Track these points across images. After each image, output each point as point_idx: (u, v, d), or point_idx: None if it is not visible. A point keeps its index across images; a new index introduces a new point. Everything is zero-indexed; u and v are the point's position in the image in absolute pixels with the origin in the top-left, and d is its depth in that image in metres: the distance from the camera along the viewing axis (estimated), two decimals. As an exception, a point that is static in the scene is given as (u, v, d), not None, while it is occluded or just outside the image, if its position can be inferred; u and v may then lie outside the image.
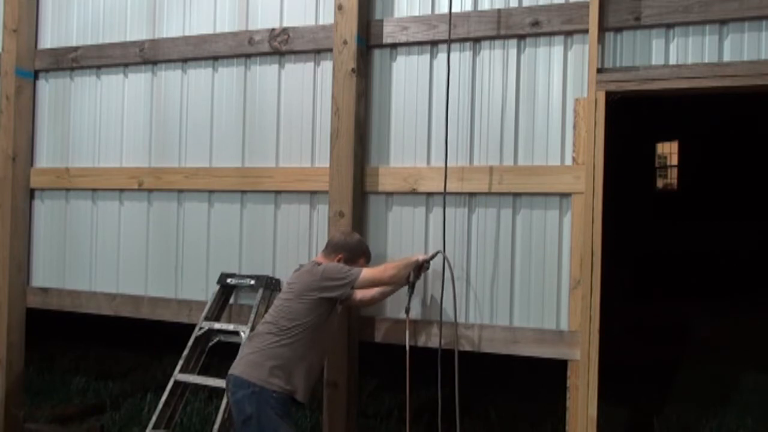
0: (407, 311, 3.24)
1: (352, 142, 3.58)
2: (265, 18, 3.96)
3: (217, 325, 3.82)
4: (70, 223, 4.48)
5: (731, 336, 8.00)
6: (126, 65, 4.32)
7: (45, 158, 4.58)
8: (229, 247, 4.02)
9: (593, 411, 3.19)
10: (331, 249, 3.30)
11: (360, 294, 3.33)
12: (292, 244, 3.86)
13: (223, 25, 4.06)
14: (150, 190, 4.23)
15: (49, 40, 4.58)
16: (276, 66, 3.94)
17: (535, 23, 3.38)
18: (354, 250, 3.31)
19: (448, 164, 3.44)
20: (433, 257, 3.29)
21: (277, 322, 3.06)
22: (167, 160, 4.19)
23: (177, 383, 3.77)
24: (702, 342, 7.86)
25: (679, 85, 3.16)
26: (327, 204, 3.65)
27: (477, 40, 3.52)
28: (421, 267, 3.22)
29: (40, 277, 4.57)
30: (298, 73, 3.89)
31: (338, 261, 3.22)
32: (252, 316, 3.71)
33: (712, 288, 10.95)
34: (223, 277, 3.92)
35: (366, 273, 3.10)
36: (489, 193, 3.47)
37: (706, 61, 3.16)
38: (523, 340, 3.36)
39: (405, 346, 3.28)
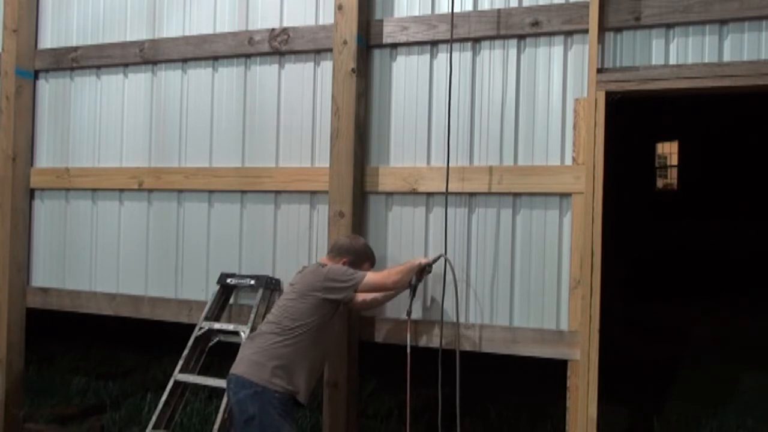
0: (408, 314, 3.23)
1: (352, 142, 3.58)
2: (265, 18, 3.96)
3: (217, 325, 3.82)
4: (70, 223, 4.48)
5: (731, 336, 7.99)
6: (126, 65, 4.32)
7: (45, 158, 4.58)
8: (229, 247, 4.02)
9: (593, 411, 3.19)
10: (337, 252, 3.30)
11: (362, 297, 3.32)
12: (292, 244, 3.86)
13: (223, 25, 4.07)
14: (150, 190, 4.23)
15: (49, 40, 4.58)
16: (276, 66, 3.94)
17: (535, 23, 3.38)
18: (359, 254, 3.31)
19: (449, 164, 3.44)
20: (435, 261, 3.29)
21: (280, 322, 3.06)
22: (167, 160, 4.19)
23: (177, 383, 3.78)
24: (702, 342, 7.86)
25: (679, 85, 3.16)
26: (327, 204, 3.65)
27: (477, 40, 3.53)
28: (423, 270, 3.22)
29: (40, 277, 4.57)
30: (298, 73, 3.89)
31: (343, 264, 3.22)
32: (252, 316, 3.71)
33: (712, 287, 10.95)
34: (223, 277, 3.92)
35: (370, 277, 3.11)
36: (489, 193, 3.47)
37: (706, 61, 3.16)
38: (523, 340, 3.36)
39: (406, 347, 3.28)
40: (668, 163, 16.28)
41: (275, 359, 2.98)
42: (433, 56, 3.63)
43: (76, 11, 4.49)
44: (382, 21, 3.68)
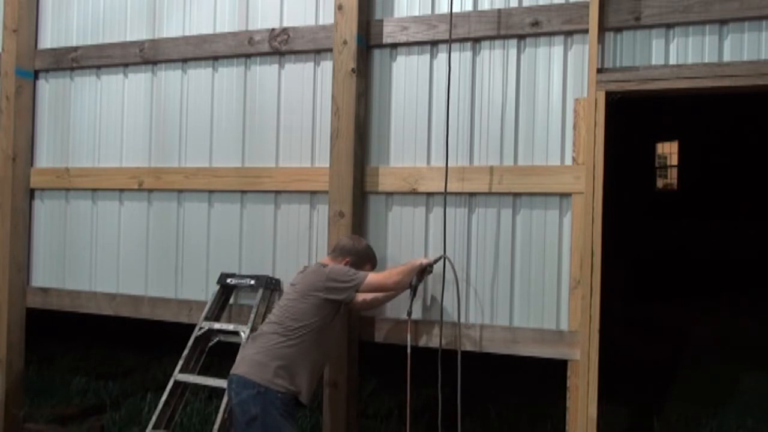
0: (409, 314, 3.23)
1: (352, 142, 3.58)
2: (265, 18, 3.96)
3: (217, 325, 3.82)
4: (70, 223, 4.48)
5: (731, 336, 7.99)
6: (126, 65, 4.32)
7: (45, 158, 4.58)
8: (229, 247, 4.02)
9: (593, 411, 3.19)
10: (339, 252, 3.31)
11: (362, 297, 3.32)
12: (292, 244, 3.86)
13: (223, 25, 4.07)
14: (150, 190, 4.23)
15: (49, 40, 4.58)
16: (276, 66, 3.94)
17: (535, 23, 3.38)
18: (361, 255, 3.32)
19: (448, 164, 3.44)
20: (436, 261, 3.29)
21: (282, 322, 3.06)
22: (167, 160, 4.19)
23: (177, 383, 3.78)
24: (702, 342, 7.86)
25: (679, 85, 3.16)
26: (327, 204, 3.65)
27: (477, 40, 3.53)
28: (423, 271, 3.23)
29: (40, 277, 4.57)
30: (298, 73, 3.89)
31: (345, 265, 3.22)
32: (252, 316, 3.71)
33: (712, 287, 10.95)
34: (223, 277, 3.92)
35: (371, 278, 3.12)
36: (489, 193, 3.47)
37: (706, 61, 3.16)
38: (523, 340, 3.36)
39: (406, 347, 3.28)
40: (668, 163, 16.28)
41: (278, 359, 2.98)
42: (433, 56, 3.63)
43: (76, 11, 4.49)
44: (382, 21, 3.68)
